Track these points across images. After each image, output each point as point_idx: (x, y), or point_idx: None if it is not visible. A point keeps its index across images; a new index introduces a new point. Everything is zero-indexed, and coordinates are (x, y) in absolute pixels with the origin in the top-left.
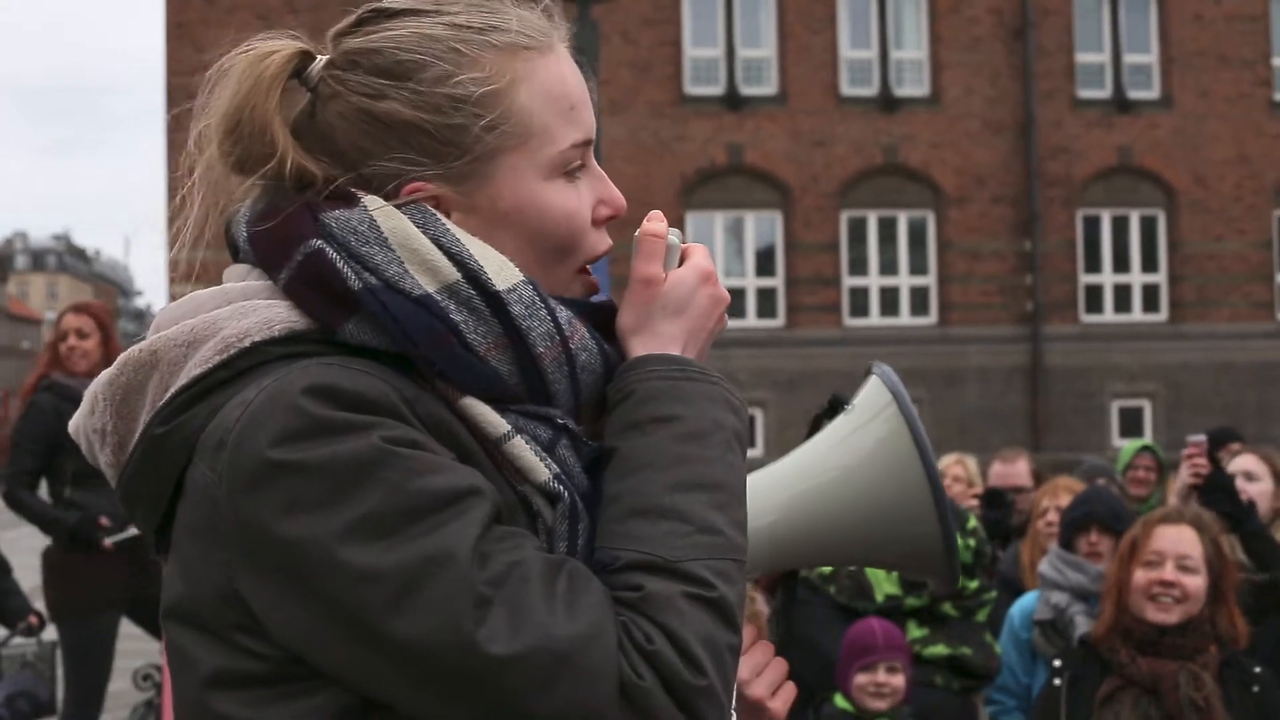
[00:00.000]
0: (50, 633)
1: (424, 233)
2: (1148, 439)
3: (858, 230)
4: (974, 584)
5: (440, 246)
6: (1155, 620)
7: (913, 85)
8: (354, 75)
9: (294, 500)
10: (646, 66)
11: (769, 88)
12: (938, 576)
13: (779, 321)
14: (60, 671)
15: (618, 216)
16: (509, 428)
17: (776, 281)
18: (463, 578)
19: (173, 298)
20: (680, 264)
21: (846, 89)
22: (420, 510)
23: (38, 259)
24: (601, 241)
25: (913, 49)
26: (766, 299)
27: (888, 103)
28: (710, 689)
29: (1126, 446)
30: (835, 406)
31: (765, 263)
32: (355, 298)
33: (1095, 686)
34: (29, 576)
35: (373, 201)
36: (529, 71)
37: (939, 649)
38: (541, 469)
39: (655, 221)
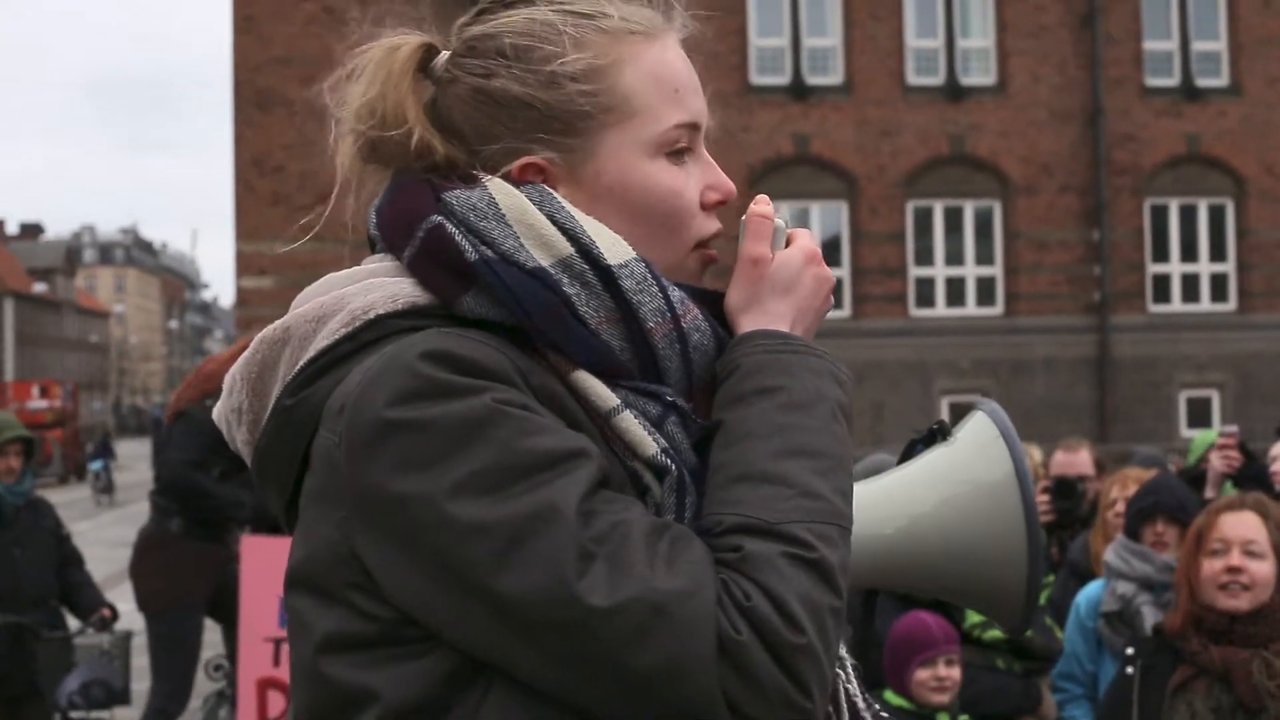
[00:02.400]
0: (123, 624)
1: (540, 209)
2: (1219, 429)
3: (924, 220)
4: None
5: (555, 222)
6: (1225, 608)
7: (979, 74)
8: (471, 59)
9: (407, 457)
10: (712, 56)
11: (835, 77)
12: (1010, 620)
13: (845, 312)
14: (132, 662)
15: (727, 202)
16: (618, 402)
17: (842, 272)
18: (568, 532)
19: (240, 290)
20: (786, 246)
21: (912, 78)
22: (528, 468)
23: (105, 252)
24: (710, 224)
25: (979, 37)
26: (833, 289)
27: (954, 92)
28: (809, 647)
29: (1199, 437)
30: (934, 435)
31: (831, 253)
32: (472, 269)
33: (1167, 676)
34: (100, 569)
35: (492, 181)
36: (634, 55)
37: (998, 632)
38: (649, 442)
39: (763, 204)
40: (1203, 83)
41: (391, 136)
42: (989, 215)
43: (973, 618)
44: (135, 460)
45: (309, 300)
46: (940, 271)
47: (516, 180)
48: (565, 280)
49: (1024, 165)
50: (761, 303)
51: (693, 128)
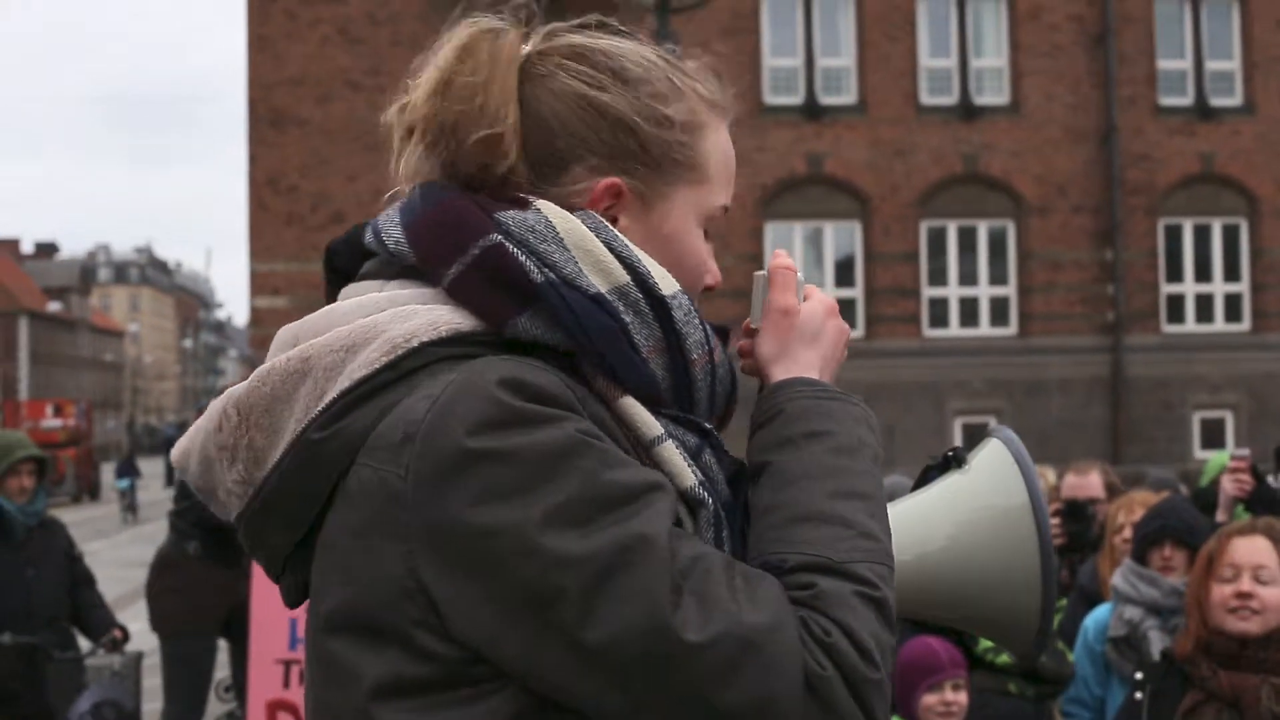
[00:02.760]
0: (134, 645)
1: (597, 236)
2: (1230, 452)
3: (937, 240)
4: None
5: (612, 250)
6: (1236, 631)
7: (993, 93)
8: (579, 65)
9: (491, 488)
10: (725, 76)
11: (848, 97)
12: (1024, 648)
13: (858, 332)
14: (143, 683)
15: (714, 288)
16: (661, 430)
17: (856, 292)
18: (661, 565)
19: (254, 309)
20: (804, 299)
21: (926, 98)
22: (615, 500)
23: (120, 271)
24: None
25: (992, 57)
26: (846, 309)
27: (968, 111)
28: (883, 683)
29: (1213, 459)
30: (949, 461)
31: (845, 273)
32: (536, 290)
33: (1177, 700)
34: (114, 589)
35: (545, 205)
36: (716, 125)
37: (1010, 657)
38: (688, 474)
39: (784, 257)
40: (1216, 102)
41: (482, 132)
42: (1003, 235)
43: (984, 641)
44: (150, 480)
45: (326, 329)
46: (954, 292)
47: (585, 200)
48: (622, 308)
49: (1038, 185)
50: (792, 352)
51: (725, 212)
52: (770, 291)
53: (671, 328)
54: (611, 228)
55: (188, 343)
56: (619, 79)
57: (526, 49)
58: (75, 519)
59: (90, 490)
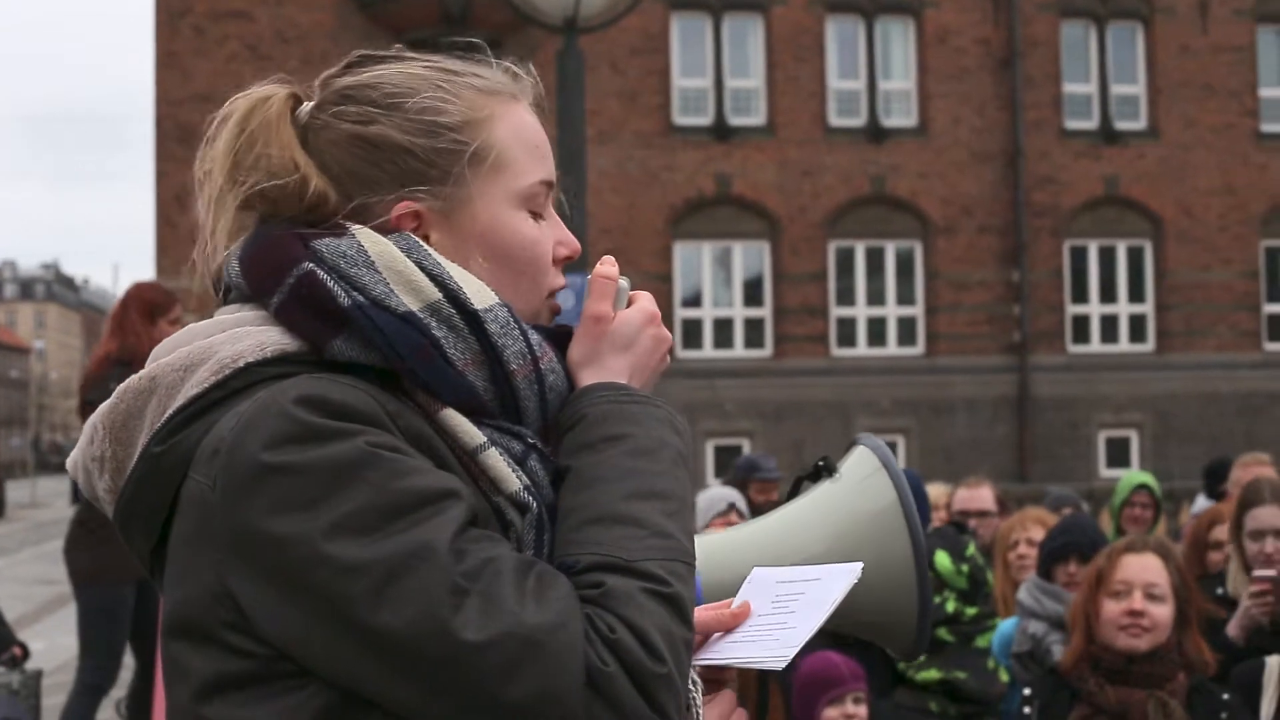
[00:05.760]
0: (34, 662)
1: (408, 257)
2: (1142, 473)
3: (845, 260)
4: (972, 610)
5: (423, 269)
6: (1125, 648)
7: (900, 116)
8: (347, 107)
9: (283, 499)
10: (634, 97)
11: (757, 118)
12: (905, 647)
13: (766, 352)
14: (44, 702)
15: (573, 257)
16: (484, 439)
17: (764, 311)
18: (441, 569)
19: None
20: (628, 306)
21: (834, 119)
22: (401, 508)
23: (26, 288)
24: (559, 278)
25: (900, 79)
26: (754, 329)
27: (875, 133)
28: (669, 676)
29: (1123, 481)
30: (820, 471)
31: (753, 293)
32: (345, 314)
33: (1065, 714)
34: (15, 607)
35: (360, 230)
36: (503, 112)
37: (930, 673)
38: (513, 479)
39: (607, 265)
40: (1121, 125)
41: (282, 186)
42: (910, 255)
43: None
44: (54, 497)
45: (173, 350)
46: (861, 311)
47: (393, 225)
48: (434, 324)
49: (944, 206)
50: (601, 358)
51: (549, 185)
52: (586, 298)
53: (487, 341)
54: (425, 246)
55: None
56: (383, 106)
57: (307, 106)
58: None
59: None
